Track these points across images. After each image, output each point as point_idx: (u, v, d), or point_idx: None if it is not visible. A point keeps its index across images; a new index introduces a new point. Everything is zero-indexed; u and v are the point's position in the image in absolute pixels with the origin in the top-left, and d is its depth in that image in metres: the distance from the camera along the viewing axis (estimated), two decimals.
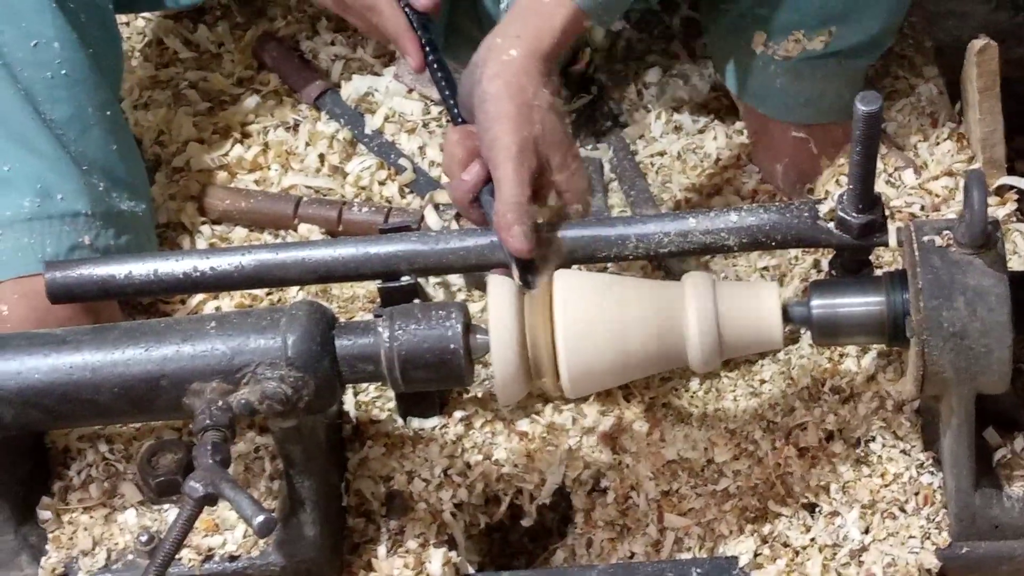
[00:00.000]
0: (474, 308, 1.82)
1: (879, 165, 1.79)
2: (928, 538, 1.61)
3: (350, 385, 1.72)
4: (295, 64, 2.12)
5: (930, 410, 1.64)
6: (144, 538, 1.58)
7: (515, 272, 1.58)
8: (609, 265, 1.75)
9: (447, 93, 1.74)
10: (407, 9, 1.76)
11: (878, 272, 1.61)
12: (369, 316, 1.76)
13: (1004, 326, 1.45)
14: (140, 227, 1.81)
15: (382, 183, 2.03)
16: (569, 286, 1.54)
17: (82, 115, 1.76)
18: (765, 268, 1.88)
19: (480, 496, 1.71)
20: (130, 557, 1.61)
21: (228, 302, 1.88)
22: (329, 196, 2.01)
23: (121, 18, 1.99)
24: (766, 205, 1.63)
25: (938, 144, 1.92)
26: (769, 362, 1.77)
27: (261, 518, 1.35)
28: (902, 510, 1.62)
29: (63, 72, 1.75)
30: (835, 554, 1.61)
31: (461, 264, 1.64)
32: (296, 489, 1.59)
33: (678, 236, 1.61)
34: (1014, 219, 1.85)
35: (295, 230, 1.97)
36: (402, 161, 2.03)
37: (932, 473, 1.64)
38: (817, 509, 1.65)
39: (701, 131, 2.05)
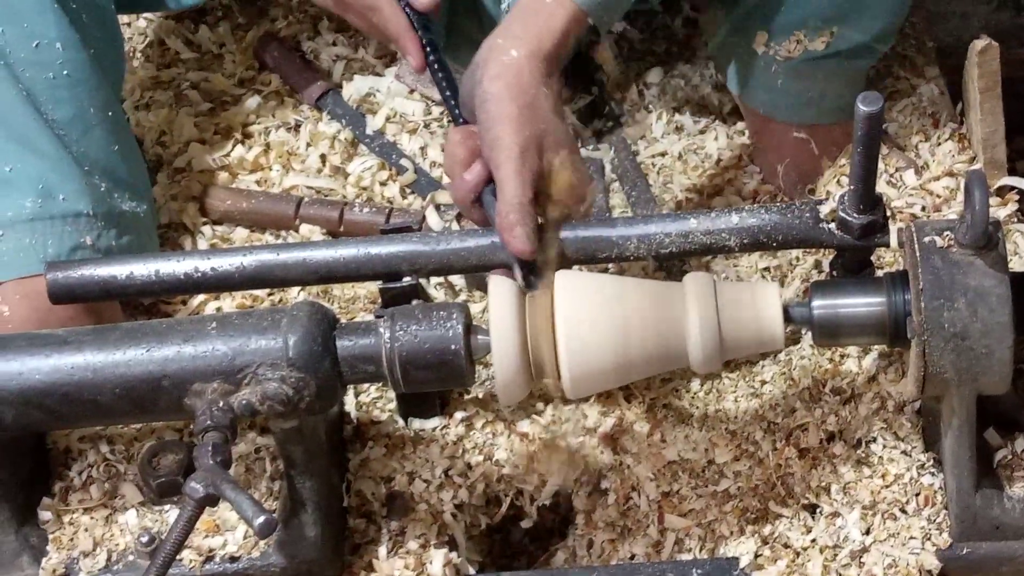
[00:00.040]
0: (475, 309, 1.82)
1: (880, 165, 1.79)
2: (929, 539, 1.61)
3: (351, 386, 1.72)
4: (296, 64, 2.12)
5: (931, 411, 1.64)
6: (145, 539, 1.58)
7: (517, 273, 1.58)
8: (610, 266, 1.75)
9: (448, 93, 1.74)
10: (408, 9, 1.76)
11: (879, 273, 1.61)
12: (370, 317, 1.76)
13: (1005, 327, 1.45)
14: (142, 228, 1.81)
15: (383, 184, 2.03)
16: (570, 287, 1.54)
17: (84, 115, 1.76)
18: (766, 269, 1.88)
19: (481, 497, 1.71)
20: (131, 558, 1.61)
21: (229, 303, 1.88)
22: (330, 197, 2.01)
23: (122, 18, 1.99)
24: (767, 206, 1.63)
25: (939, 144, 1.92)
26: (770, 363, 1.77)
27: (262, 519, 1.35)
28: (903, 511, 1.62)
29: (65, 73, 1.75)
30: (836, 555, 1.61)
31: (462, 265, 1.64)
32: (297, 490, 1.59)
33: (679, 237, 1.61)
34: (1015, 220, 1.85)
35: (296, 231, 1.97)
36: (403, 162, 2.03)
37: (933, 474, 1.64)
38: (818, 510, 1.65)
39: (702, 131, 2.06)
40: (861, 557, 1.61)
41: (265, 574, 1.60)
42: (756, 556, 1.63)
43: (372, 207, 1.97)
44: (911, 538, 1.61)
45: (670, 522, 1.67)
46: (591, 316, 1.52)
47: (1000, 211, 1.84)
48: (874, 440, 1.67)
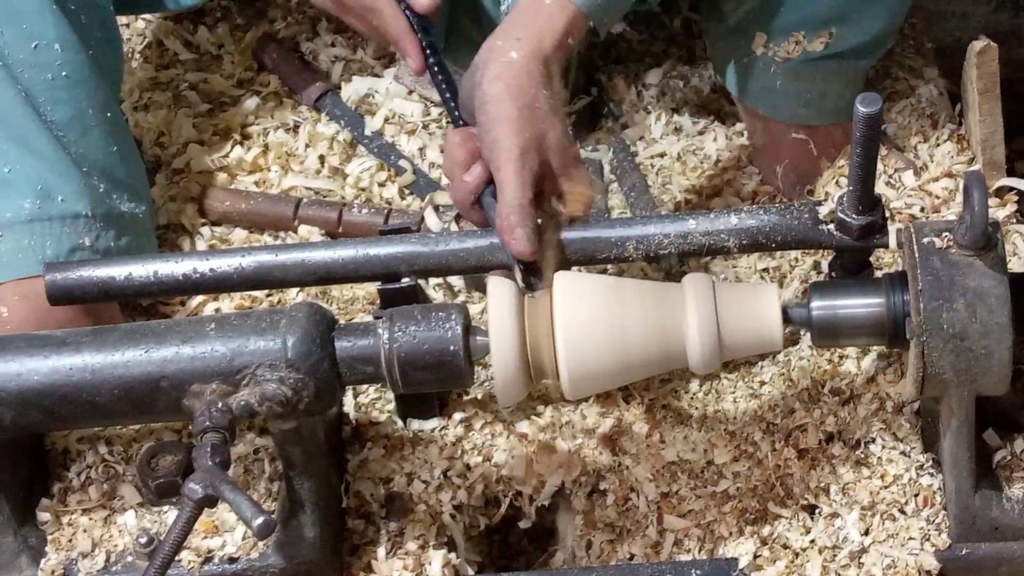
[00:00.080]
0: (474, 310, 1.82)
1: (879, 166, 1.79)
2: (928, 539, 1.61)
3: (350, 387, 1.71)
4: (295, 66, 2.12)
5: (930, 412, 1.64)
6: (143, 540, 1.58)
7: (517, 274, 1.58)
8: (609, 267, 1.75)
9: (448, 95, 1.74)
10: (407, 11, 1.76)
11: (878, 274, 1.61)
12: (369, 318, 1.76)
13: (1004, 328, 1.45)
14: (140, 229, 1.81)
15: (382, 184, 2.03)
16: (569, 288, 1.54)
17: (82, 116, 1.76)
18: (765, 270, 1.88)
19: (480, 498, 1.71)
20: (129, 559, 1.61)
21: (228, 304, 1.88)
22: (329, 197, 2.01)
23: (121, 19, 1.99)
24: (766, 207, 1.63)
25: (938, 145, 1.92)
26: (769, 364, 1.77)
27: (260, 520, 1.35)
28: (902, 511, 1.62)
29: (64, 74, 1.75)
30: (835, 556, 1.61)
31: (461, 266, 1.64)
32: (296, 491, 1.59)
33: (678, 237, 1.61)
34: (1014, 220, 1.85)
35: (295, 231, 1.97)
36: (402, 163, 2.03)
37: (932, 475, 1.64)
38: (817, 511, 1.65)
39: (701, 132, 2.06)
40: (860, 558, 1.61)
41: (264, 575, 1.60)
42: (755, 557, 1.63)
43: (371, 208, 1.97)
44: (910, 539, 1.61)
45: (669, 523, 1.67)
46: (590, 317, 1.52)
47: (999, 212, 1.84)
48: (873, 441, 1.67)
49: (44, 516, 1.64)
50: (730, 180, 2.01)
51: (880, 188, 1.84)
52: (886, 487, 1.64)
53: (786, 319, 1.55)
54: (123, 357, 1.51)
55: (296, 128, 2.08)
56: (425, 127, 2.07)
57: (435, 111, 2.08)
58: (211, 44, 2.17)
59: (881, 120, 1.50)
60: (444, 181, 1.97)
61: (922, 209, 1.85)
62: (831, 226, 1.59)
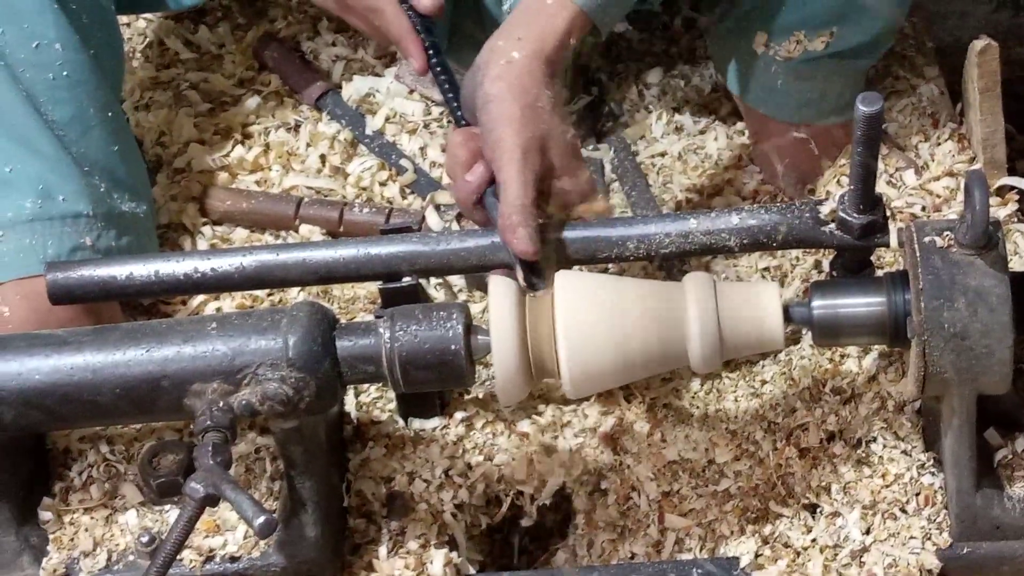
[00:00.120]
0: (475, 309, 1.82)
1: (880, 166, 1.79)
2: (929, 539, 1.61)
3: (351, 386, 1.71)
4: (296, 65, 2.12)
5: (931, 411, 1.64)
6: (145, 539, 1.58)
7: (519, 273, 1.58)
8: (610, 266, 1.75)
9: (450, 95, 1.74)
10: (410, 11, 1.76)
11: (879, 273, 1.61)
12: (370, 317, 1.76)
13: (1005, 327, 1.45)
14: (141, 228, 1.81)
15: (383, 184, 2.03)
16: (570, 287, 1.54)
17: (83, 116, 1.76)
18: (766, 269, 1.88)
19: (481, 497, 1.71)
20: (131, 558, 1.61)
21: (229, 303, 1.88)
22: (330, 197, 2.01)
23: (122, 19, 1.99)
24: (767, 206, 1.63)
25: (939, 144, 1.92)
26: (770, 363, 1.77)
27: (262, 519, 1.35)
28: (903, 511, 1.62)
29: (64, 73, 1.75)
30: (836, 555, 1.61)
31: (462, 265, 1.64)
32: (297, 490, 1.59)
33: (679, 237, 1.61)
34: (1015, 219, 1.85)
35: (296, 231, 1.97)
36: (403, 162, 2.03)
37: (933, 474, 1.64)
38: (818, 510, 1.65)
39: (702, 132, 2.06)
40: (861, 557, 1.61)
41: (265, 574, 1.60)
42: (756, 556, 1.63)
43: (372, 207, 1.97)
44: (911, 538, 1.61)
45: (670, 522, 1.67)
46: (591, 316, 1.52)
47: (1000, 211, 1.84)
48: (874, 440, 1.67)
49: (46, 515, 1.64)
50: (731, 179, 2.01)
51: (881, 187, 1.84)
52: (887, 486, 1.64)
53: (787, 318, 1.55)
54: (124, 356, 1.51)
55: (297, 127, 2.08)
56: (426, 126, 2.07)
57: (436, 110, 2.08)
58: (212, 43, 2.17)
59: (882, 119, 1.49)
60: (445, 180, 1.98)
61: (923, 208, 1.85)
62: (832, 225, 1.59)
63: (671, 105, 2.08)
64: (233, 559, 1.60)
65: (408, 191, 2.02)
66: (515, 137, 1.58)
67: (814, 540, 1.62)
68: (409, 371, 1.51)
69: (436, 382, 1.54)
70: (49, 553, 1.62)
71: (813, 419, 1.69)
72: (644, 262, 1.85)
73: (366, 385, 1.76)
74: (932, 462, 1.65)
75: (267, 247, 1.67)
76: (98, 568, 1.61)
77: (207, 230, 1.98)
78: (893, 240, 1.60)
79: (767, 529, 1.64)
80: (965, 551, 1.60)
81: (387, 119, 2.08)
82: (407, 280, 1.63)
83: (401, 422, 1.75)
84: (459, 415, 1.74)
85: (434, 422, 1.74)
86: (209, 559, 1.60)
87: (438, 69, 1.76)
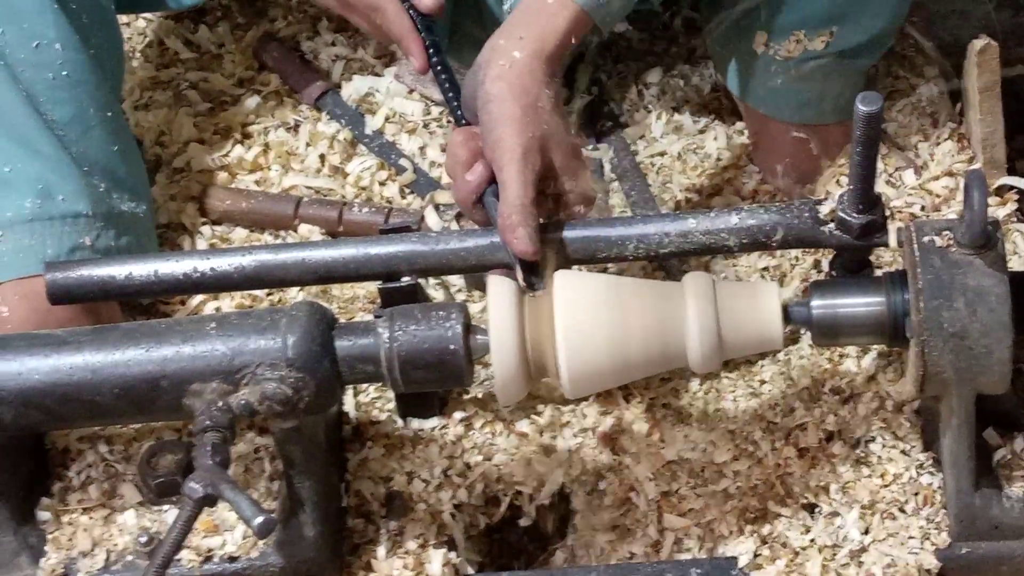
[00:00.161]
0: (474, 309, 1.82)
1: (879, 165, 1.79)
2: (928, 539, 1.60)
3: (350, 386, 1.71)
4: (296, 64, 2.12)
5: (930, 410, 1.64)
6: (143, 539, 1.58)
7: (519, 274, 1.58)
8: (609, 266, 1.75)
9: (450, 95, 1.74)
10: (411, 10, 1.76)
11: (878, 272, 1.61)
12: (369, 317, 1.76)
13: (1004, 326, 1.45)
14: (141, 228, 1.81)
15: (382, 183, 2.03)
16: (569, 286, 1.54)
17: (83, 116, 1.76)
18: (765, 268, 1.88)
19: (480, 497, 1.71)
20: (129, 558, 1.61)
21: (228, 303, 1.88)
22: (329, 197, 2.01)
23: (122, 18, 1.99)
24: (766, 205, 1.63)
25: (938, 144, 1.92)
26: (769, 363, 1.77)
27: (260, 519, 1.35)
28: (902, 510, 1.62)
29: (64, 73, 1.75)
30: (835, 555, 1.61)
31: (461, 265, 1.64)
32: (296, 490, 1.59)
33: (678, 237, 1.61)
34: (1014, 219, 1.85)
35: (295, 231, 1.97)
36: (403, 161, 2.03)
37: (932, 473, 1.64)
38: (817, 510, 1.65)
39: (701, 131, 2.05)
40: (860, 557, 1.61)
41: (264, 574, 1.60)
42: (755, 556, 1.63)
43: (371, 207, 1.97)
44: (910, 538, 1.61)
45: (669, 522, 1.67)
46: (590, 316, 1.52)
47: (999, 211, 1.84)
48: (873, 440, 1.67)
49: (44, 515, 1.64)
50: (730, 179, 2.00)
51: (880, 187, 1.84)
52: (886, 486, 1.64)
53: (786, 318, 1.55)
54: (123, 356, 1.51)
55: (297, 127, 2.08)
56: (426, 126, 2.07)
57: (435, 110, 2.08)
58: (212, 43, 2.17)
59: (881, 119, 1.49)
60: (444, 180, 1.97)
61: (922, 208, 1.85)
62: (831, 225, 1.59)
63: (671, 105, 2.08)
64: (232, 559, 1.60)
65: (407, 191, 2.02)
66: (515, 137, 1.58)
67: (813, 540, 1.62)
68: (408, 371, 1.51)
69: (435, 382, 1.54)
70: (47, 553, 1.62)
71: (812, 419, 1.69)
72: (644, 262, 1.85)
73: (365, 385, 1.76)
74: (931, 462, 1.65)
75: (266, 247, 1.67)
76: (96, 568, 1.61)
77: (206, 230, 1.98)
78: (892, 240, 1.60)
79: (766, 529, 1.64)
80: (964, 551, 1.60)
81: (387, 119, 2.08)
82: (406, 280, 1.63)
83: (400, 422, 1.75)
84: (458, 415, 1.74)
85: (433, 422, 1.74)
86: (208, 559, 1.60)
87: (438, 68, 1.76)
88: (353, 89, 2.10)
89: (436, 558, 1.65)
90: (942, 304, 1.45)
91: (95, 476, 1.67)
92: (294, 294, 1.87)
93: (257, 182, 2.03)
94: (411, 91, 2.10)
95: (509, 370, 1.52)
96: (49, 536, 1.63)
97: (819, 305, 1.55)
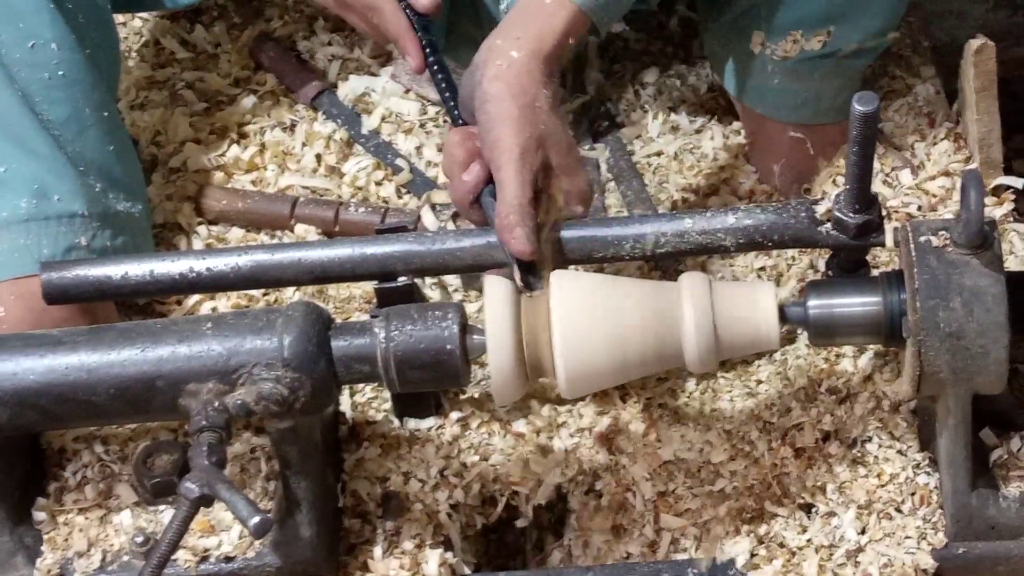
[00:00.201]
0: (471, 308, 1.82)
1: (876, 165, 1.79)
2: (924, 538, 1.60)
3: (346, 386, 1.71)
4: (292, 64, 2.12)
5: (926, 410, 1.64)
6: (139, 539, 1.58)
7: (516, 274, 1.58)
8: (606, 266, 1.75)
9: (447, 95, 1.74)
10: (408, 10, 1.76)
11: (875, 272, 1.61)
12: (365, 317, 1.76)
13: (1001, 326, 1.45)
14: (137, 228, 1.81)
15: (379, 183, 2.03)
16: (566, 286, 1.54)
17: (79, 116, 1.76)
18: (762, 268, 1.88)
19: (476, 497, 1.70)
20: (125, 558, 1.61)
21: (224, 303, 1.88)
22: (326, 196, 2.01)
23: (118, 18, 1.99)
24: (763, 205, 1.63)
25: (935, 144, 1.92)
26: (766, 362, 1.77)
27: (257, 519, 1.35)
28: (898, 510, 1.62)
29: (60, 73, 1.75)
30: (831, 555, 1.61)
31: (458, 264, 1.64)
32: (292, 490, 1.59)
33: (675, 236, 1.61)
34: (1011, 219, 1.85)
35: (292, 230, 1.97)
36: (399, 161, 2.03)
37: (928, 473, 1.64)
38: (813, 509, 1.65)
39: (698, 131, 2.05)
40: (857, 557, 1.60)
41: (260, 574, 1.60)
42: (752, 556, 1.63)
43: (368, 207, 1.97)
44: (907, 538, 1.61)
45: (666, 522, 1.67)
46: (587, 316, 1.52)
47: (996, 211, 1.84)
48: (870, 440, 1.67)
49: (40, 515, 1.64)
50: (727, 179, 2.00)
51: (877, 187, 1.84)
52: (883, 486, 1.64)
53: (783, 318, 1.55)
54: (119, 356, 1.51)
55: (293, 127, 2.08)
56: (422, 126, 2.07)
57: (432, 110, 2.08)
58: (208, 43, 2.16)
59: (878, 119, 1.49)
60: (441, 180, 1.97)
61: (919, 208, 1.85)
62: (828, 225, 1.59)
63: (667, 105, 2.08)
64: (228, 559, 1.60)
65: (404, 191, 2.01)
66: (513, 137, 1.58)
67: (809, 540, 1.62)
68: (404, 371, 1.51)
69: (431, 382, 1.54)
70: (43, 553, 1.62)
71: (808, 419, 1.69)
72: (640, 262, 1.85)
73: (361, 385, 1.76)
74: (927, 462, 1.65)
75: (263, 247, 1.67)
76: (92, 568, 1.61)
77: (202, 230, 1.98)
78: (889, 240, 1.60)
79: (762, 529, 1.64)
80: (960, 551, 1.60)
81: (383, 118, 2.07)
82: (403, 280, 1.63)
83: (396, 422, 1.74)
84: (454, 415, 1.74)
85: (429, 422, 1.74)
86: (204, 559, 1.60)
87: (435, 68, 1.76)
88: (349, 89, 2.10)
89: (432, 558, 1.65)
90: (938, 304, 1.45)
91: (91, 476, 1.67)
92: (290, 294, 1.87)
93: (253, 182, 2.03)
94: (407, 91, 2.10)
95: (505, 370, 1.51)
96: (45, 536, 1.63)
97: (815, 305, 1.55)
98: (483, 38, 1.66)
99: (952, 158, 1.89)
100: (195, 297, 1.88)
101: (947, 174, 1.88)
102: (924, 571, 1.59)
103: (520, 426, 1.74)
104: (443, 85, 1.75)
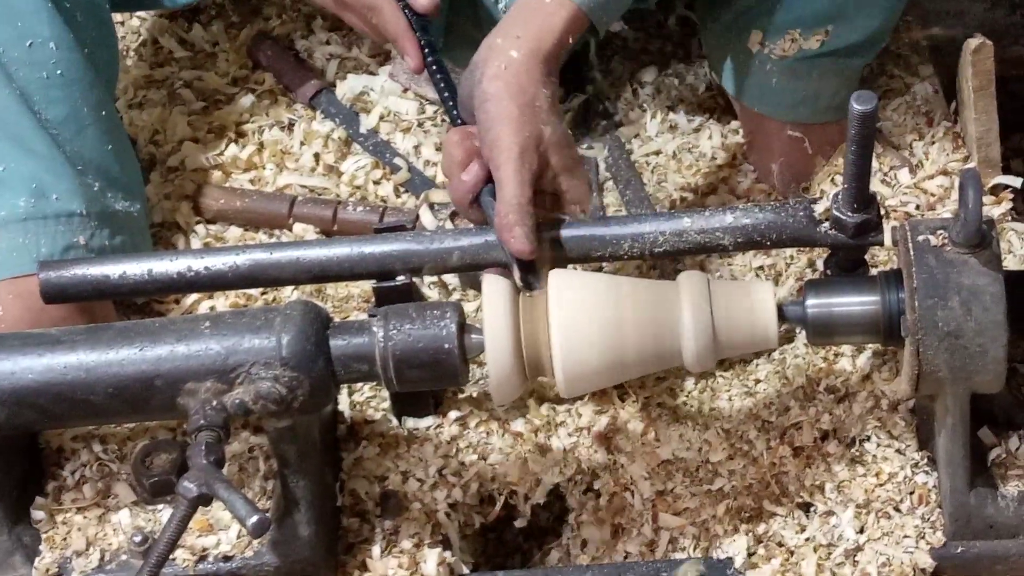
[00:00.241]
0: (469, 307, 1.82)
1: (874, 164, 1.79)
2: (923, 538, 1.60)
3: (345, 385, 1.71)
4: (290, 63, 2.12)
5: (925, 409, 1.64)
6: (138, 538, 1.58)
7: (516, 273, 1.58)
8: (604, 265, 1.75)
9: (446, 94, 1.74)
10: (407, 10, 1.76)
11: (873, 271, 1.61)
12: (364, 316, 1.76)
13: (999, 325, 1.45)
14: (135, 227, 1.81)
15: (377, 182, 2.03)
16: (564, 285, 1.54)
17: (77, 115, 1.76)
18: (760, 267, 1.88)
19: (475, 496, 1.70)
20: (124, 557, 1.61)
21: (223, 302, 1.88)
22: (324, 195, 2.01)
23: (116, 17, 1.99)
24: (761, 204, 1.63)
25: (933, 143, 1.92)
26: (764, 362, 1.77)
27: (255, 518, 1.35)
28: (897, 510, 1.62)
29: (59, 72, 1.75)
30: (830, 554, 1.61)
31: (456, 264, 1.64)
32: (290, 489, 1.59)
33: (673, 236, 1.61)
34: (1009, 218, 1.85)
35: (290, 230, 1.97)
36: (397, 160, 2.03)
37: (927, 472, 1.64)
38: (812, 509, 1.65)
39: (696, 130, 2.05)
40: (855, 556, 1.61)
41: (259, 573, 1.60)
42: (750, 555, 1.63)
43: (366, 206, 1.97)
44: (905, 537, 1.61)
45: (664, 521, 1.67)
46: (585, 315, 1.52)
47: (994, 210, 1.84)
48: (868, 439, 1.67)
49: (38, 515, 1.64)
50: (725, 178, 2.00)
51: (875, 186, 1.84)
52: (881, 485, 1.64)
53: (781, 317, 1.55)
54: (117, 355, 1.51)
55: (291, 126, 2.08)
56: (420, 125, 2.07)
57: (430, 109, 2.08)
58: (206, 42, 2.16)
59: (876, 118, 1.49)
60: (439, 179, 1.97)
61: (917, 207, 1.85)
62: (826, 224, 1.59)
63: (665, 104, 2.08)
64: (226, 558, 1.60)
65: (402, 190, 2.01)
66: (512, 136, 1.58)
67: (808, 539, 1.62)
68: (403, 370, 1.51)
69: (430, 381, 1.54)
70: (42, 552, 1.62)
71: (807, 418, 1.69)
72: (638, 261, 1.85)
73: (360, 384, 1.76)
74: (926, 461, 1.65)
75: (261, 246, 1.66)
76: (91, 567, 1.61)
77: (201, 229, 1.98)
78: (887, 239, 1.60)
79: (761, 528, 1.64)
80: (959, 550, 1.60)
81: (381, 118, 2.07)
82: (401, 279, 1.63)
83: (395, 421, 1.74)
84: (453, 414, 1.74)
85: (428, 421, 1.74)
86: (202, 558, 1.60)
87: (434, 68, 1.76)
88: (347, 88, 2.10)
89: (431, 557, 1.65)
90: (937, 303, 1.45)
91: (89, 475, 1.67)
92: (288, 293, 1.87)
93: (251, 181, 2.03)
94: (405, 90, 2.10)
95: (504, 369, 1.51)
96: (43, 535, 1.63)
97: (814, 304, 1.55)
98: (482, 38, 1.66)
99: (950, 157, 1.89)
100: (193, 296, 1.88)
101: (945, 173, 1.88)
102: (922, 570, 1.59)
103: (518, 425, 1.74)
104: (442, 85, 1.75)
